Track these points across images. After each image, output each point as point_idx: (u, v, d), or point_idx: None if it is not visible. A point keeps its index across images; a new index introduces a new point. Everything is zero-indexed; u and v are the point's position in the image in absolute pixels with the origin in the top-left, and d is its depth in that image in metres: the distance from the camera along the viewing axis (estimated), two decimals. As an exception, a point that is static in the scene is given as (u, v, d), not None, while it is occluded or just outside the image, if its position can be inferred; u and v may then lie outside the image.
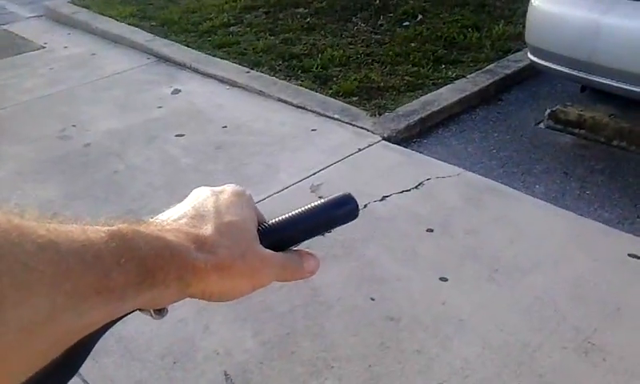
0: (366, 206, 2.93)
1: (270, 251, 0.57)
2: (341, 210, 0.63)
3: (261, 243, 0.56)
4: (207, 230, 0.52)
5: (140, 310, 0.49)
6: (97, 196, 3.10)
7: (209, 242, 0.51)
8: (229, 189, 0.59)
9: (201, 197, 0.57)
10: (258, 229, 0.58)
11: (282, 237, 0.60)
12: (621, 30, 3.10)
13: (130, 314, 0.47)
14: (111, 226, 0.45)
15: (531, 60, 3.57)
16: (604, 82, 3.24)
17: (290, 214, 0.61)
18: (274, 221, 0.60)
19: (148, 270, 0.45)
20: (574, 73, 3.35)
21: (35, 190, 3.17)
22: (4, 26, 5.65)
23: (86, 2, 5.85)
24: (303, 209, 0.61)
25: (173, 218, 0.54)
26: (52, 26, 5.54)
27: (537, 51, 3.47)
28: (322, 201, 0.62)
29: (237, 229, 0.54)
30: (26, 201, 3.10)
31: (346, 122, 3.74)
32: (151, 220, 0.51)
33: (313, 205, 0.61)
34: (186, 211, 0.54)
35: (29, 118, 3.94)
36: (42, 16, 5.77)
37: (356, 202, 0.63)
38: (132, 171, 3.32)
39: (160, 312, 0.51)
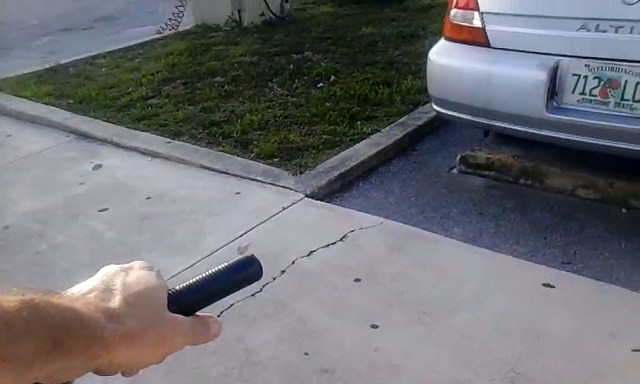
0: (293, 262, 2.99)
1: (181, 316, 0.59)
2: (244, 272, 0.67)
3: (170, 309, 0.59)
4: (116, 301, 0.54)
5: None
6: (18, 279, 3.01)
7: (117, 312, 0.53)
8: (137, 264, 0.62)
9: (109, 273, 0.59)
10: (168, 293, 0.61)
11: (190, 301, 0.63)
12: (508, 78, 3.38)
13: None
14: (24, 296, 0.47)
15: (435, 110, 3.81)
16: (501, 125, 3.50)
17: (196, 279, 0.64)
18: (181, 286, 0.64)
19: (57, 340, 0.46)
20: (474, 119, 3.60)
21: (-48, 279, 3.05)
22: None
23: (-1, 84, 5.77)
24: (209, 272, 0.65)
25: (82, 292, 0.56)
26: (-38, 111, 5.41)
27: (439, 101, 3.72)
28: (226, 264, 0.66)
29: (146, 298, 0.56)
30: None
31: (269, 183, 3.83)
32: (62, 292, 0.54)
33: (217, 268, 0.65)
34: (96, 285, 0.57)
35: (-59, 206, 3.80)
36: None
37: (259, 263, 0.67)
38: (55, 250, 3.26)
39: None
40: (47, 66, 6.35)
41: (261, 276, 0.68)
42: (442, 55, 3.67)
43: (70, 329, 0.48)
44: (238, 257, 0.67)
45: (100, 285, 0.57)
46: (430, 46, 6.36)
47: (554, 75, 3.13)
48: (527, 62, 3.24)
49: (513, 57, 3.33)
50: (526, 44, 3.26)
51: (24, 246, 3.30)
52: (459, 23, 3.58)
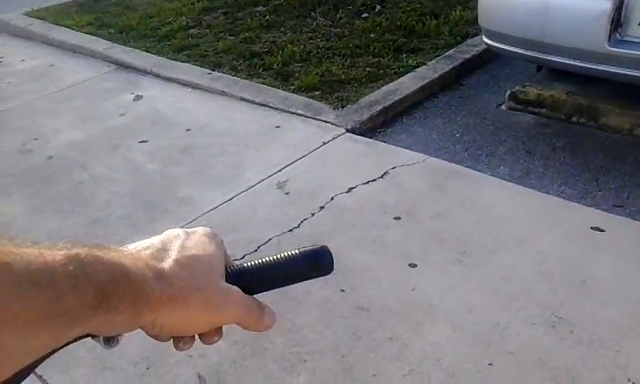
0: (332, 198, 2.94)
1: (236, 289, 0.56)
2: (314, 263, 0.61)
3: (229, 282, 0.56)
4: (168, 262, 0.53)
5: (92, 337, 0.48)
6: (62, 208, 3.06)
7: (167, 272, 0.52)
8: (200, 230, 0.59)
9: (171, 235, 0.57)
10: (227, 270, 0.58)
11: (251, 282, 0.58)
12: (567, 9, 3.15)
13: (78, 339, 0.47)
14: (70, 250, 0.45)
15: (486, 43, 3.61)
16: (556, 60, 3.30)
17: (262, 260, 0.60)
18: (244, 264, 0.59)
19: (104, 295, 0.45)
20: (528, 53, 3.40)
21: (-2, 206, 3.12)
22: (-43, 43, 5.54)
23: (40, 13, 5.75)
24: (277, 256, 0.60)
25: (138, 249, 0.54)
26: (7, 40, 5.44)
27: (490, 34, 3.52)
28: (296, 251, 0.60)
29: (200, 263, 0.54)
30: (-12, 219, 3.05)
31: (310, 117, 3.74)
32: (112, 247, 0.51)
33: (286, 254, 0.60)
34: (153, 244, 0.55)
35: (-13, 135, 3.87)
36: (-4, 30, 5.67)
37: (331, 255, 0.61)
38: (97, 180, 3.28)
39: (109, 342, 0.51)
40: (89, -6, 6.30)
41: (332, 270, 0.61)
42: (495, -17, 3.45)
43: (116, 285, 0.46)
44: (310, 246, 0.61)
45: (158, 244, 0.55)
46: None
47: (620, 5, 2.90)
48: (589, -9, 3.01)
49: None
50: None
51: (67, 176, 3.34)
52: (514, -51, 3.34)
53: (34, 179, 3.34)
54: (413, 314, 2.26)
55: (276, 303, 2.09)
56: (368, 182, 3.05)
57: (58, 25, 5.47)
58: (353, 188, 3.01)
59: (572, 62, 3.20)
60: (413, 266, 2.50)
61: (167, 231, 0.58)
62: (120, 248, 0.53)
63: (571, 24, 3.11)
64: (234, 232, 2.76)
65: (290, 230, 2.74)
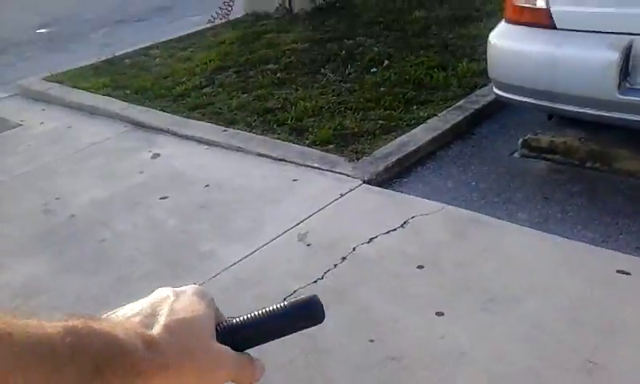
0: (354, 249, 2.96)
1: (227, 350, 0.56)
2: (304, 314, 0.61)
3: (219, 341, 0.56)
4: (157, 328, 0.53)
5: None
6: (86, 267, 3.08)
7: (156, 340, 0.52)
8: (190, 289, 0.59)
9: (160, 296, 0.57)
10: (217, 328, 0.57)
11: (243, 336, 0.59)
12: (576, 60, 3.24)
13: None
14: (67, 321, 0.46)
15: (497, 94, 3.69)
16: (568, 108, 3.37)
17: (253, 314, 0.60)
18: (235, 320, 0.59)
19: (99, 368, 0.46)
20: (539, 102, 3.48)
21: (23, 266, 3.14)
22: (-22, 108, 5.67)
23: (58, 77, 5.90)
24: (267, 309, 0.60)
25: (127, 315, 0.54)
26: (27, 104, 5.56)
27: (501, 85, 3.60)
28: (285, 303, 0.61)
29: (189, 326, 0.54)
30: (13, 279, 3.07)
31: (326, 170, 3.80)
32: (105, 316, 0.53)
33: (276, 306, 0.60)
34: (143, 308, 0.55)
35: (10, 196, 3.92)
36: (16, 95, 5.79)
37: (321, 305, 0.61)
38: (119, 238, 3.32)
39: None
40: (104, 57, 6.47)
41: (323, 319, 0.61)
42: (504, 38, 3.55)
43: (110, 357, 0.47)
44: (300, 297, 0.62)
45: (147, 308, 0.55)
46: (485, 29, 6.20)
47: (627, 55, 2.99)
48: (596, 43, 3.10)
49: (580, 37, 3.19)
50: (595, 24, 3.12)
51: (90, 234, 3.37)
52: (521, 5, 3.45)
53: (57, 239, 3.37)
54: (444, 363, 2.25)
55: (306, 355, 2.10)
56: (388, 232, 3.08)
57: (75, 88, 5.60)
58: (374, 238, 3.04)
59: (583, 110, 3.27)
60: (440, 314, 2.50)
61: (157, 291, 0.58)
62: (112, 316, 0.54)
63: (581, 74, 3.20)
64: (259, 285, 2.77)
65: (315, 282, 2.75)
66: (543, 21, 3.32)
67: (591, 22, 3.15)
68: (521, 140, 3.93)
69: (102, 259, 3.14)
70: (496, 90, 3.67)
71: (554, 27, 3.29)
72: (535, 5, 3.37)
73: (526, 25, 3.45)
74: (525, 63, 3.43)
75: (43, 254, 3.25)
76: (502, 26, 3.62)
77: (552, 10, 3.28)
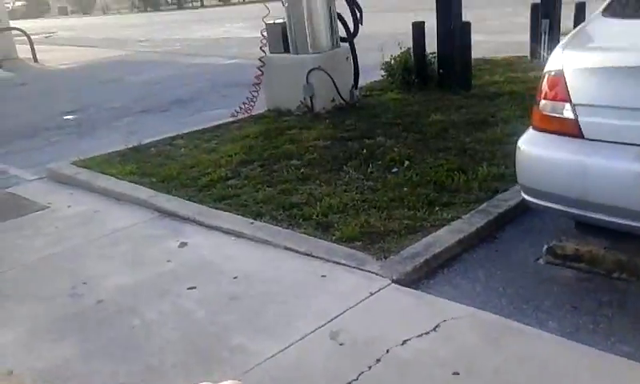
0: (388, 351, 2.95)
1: None
2: None
3: None
4: None
5: None
6: (115, 353, 3.06)
7: None
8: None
9: None
10: None
11: None
12: (607, 169, 3.33)
13: None
14: None
15: (525, 199, 3.76)
16: (597, 217, 3.42)
17: None
18: None
19: None
20: (569, 210, 3.54)
21: (51, 350, 3.12)
22: (8, 189, 5.79)
23: (86, 162, 6.05)
24: None
25: None
26: (55, 187, 5.68)
27: (529, 191, 3.68)
28: None
29: None
30: (39, 362, 3.04)
31: (354, 267, 3.83)
32: None
33: None
34: None
35: (37, 278, 3.94)
36: (44, 178, 5.94)
37: None
38: (148, 327, 3.31)
39: None
40: (130, 145, 6.65)
41: None
42: (533, 145, 3.66)
43: None
44: None
45: None
46: (502, 134, 6.41)
47: (656, 167, 3.08)
48: (625, 154, 3.20)
49: (609, 148, 3.29)
50: (624, 136, 3.23)
51: (118, 320, 3.37)
52: (549, 114, 3.58)
53: (85, 323, 3.37)
54: None
55: None
56: (421, 335, 3.07)
57: (102, 173, 5.74)
58: (407, 340, 3.02)
59: (613, 220, 3.32)
60: (479, 423, 2.46)
61: None
62: None
63: (610, 184, 3.27)
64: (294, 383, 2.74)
65: (349, 383, 2.73)
66: (572, 130, 3.43)
67: (619, 133, 3.25)
68: (545, 247, 3.97)
69: (130, 347, 3.12)
70: (525, 196, 3.74)
71: (582, 137, 3.40)
72: (563, 115, 3.49)
73: (554, 133, 3.56)
74: (554, 171, 3.52)
75: (70, 338, 3.24)
76: (531, 133, 3.73)
77: (580, 120, 3.40)
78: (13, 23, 21.74)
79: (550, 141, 3.59)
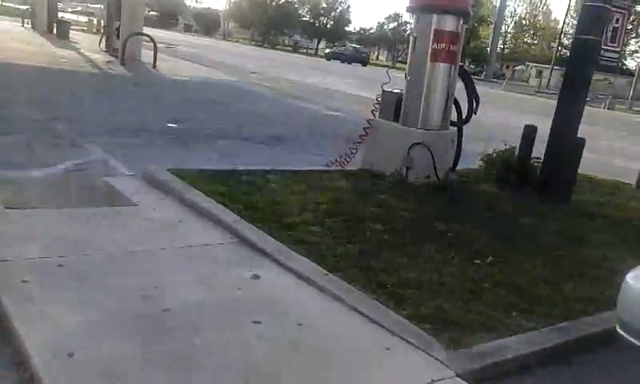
0: (442, 447, 2.79)
1: None
2: None
3: None
4: None
5: None
6: (172, 367, 3.06)
7: None
8: None
9: None
10: None
11: None
12: None
13: None
14: None
15: (623, 336, 3.53)
16: None
17: None
18: None
19: None
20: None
21: (112, 345, 3.16)
22: (105, 178, 6.06)
23: (181, 172, 6.25)
24: None
25: None
26: (146, 188, 5.89)
27: (629, 328, 3.45)
28: None
29: None
30: (98, 354, 3.08)
31: (420, 349, 3.70)
32: None
33: None
34: None
35: (114, 270, 4.04)
36: (138, 176, 6.17)
37: None
38: (207, 348, 3.30)
39: None
40: (224, 168, 6.82)
41: None
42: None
43: None
44: None
45: None
46: (596, 257, 6.12)
47: None
48: None
49: None
50: None
51: (181, 335, 3.38)
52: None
53: (149, 328, 3.40)
54: None
55: None
56: (480, 441, 2.90)
57: (194, 186, 5.89)
58: (464, 442, 2.86)
59: None
60: None
61: None
62: None
63: None
64: None
65: None
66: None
67: None
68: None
69: (189, 364, 3.12)
70: (620, 331, 3.52)
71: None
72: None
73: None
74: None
75: (132, 339, 3.27)
76: (643, 268, 3.54)
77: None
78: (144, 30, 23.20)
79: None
